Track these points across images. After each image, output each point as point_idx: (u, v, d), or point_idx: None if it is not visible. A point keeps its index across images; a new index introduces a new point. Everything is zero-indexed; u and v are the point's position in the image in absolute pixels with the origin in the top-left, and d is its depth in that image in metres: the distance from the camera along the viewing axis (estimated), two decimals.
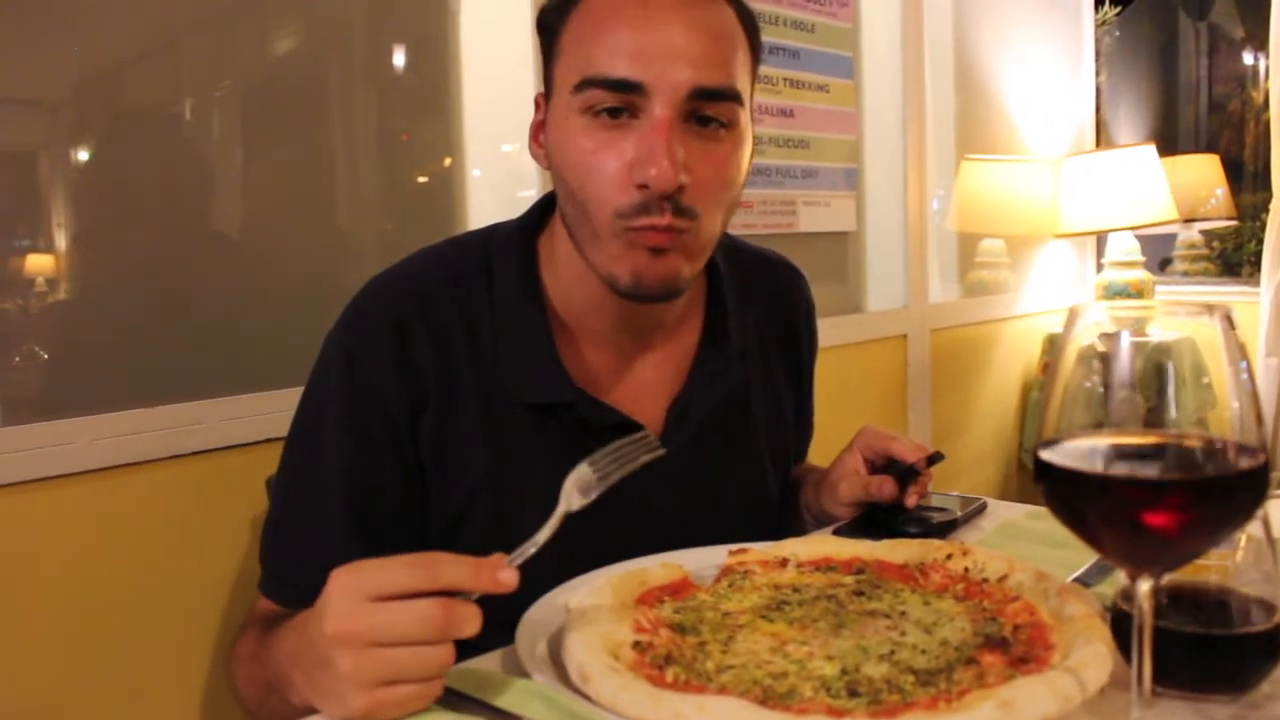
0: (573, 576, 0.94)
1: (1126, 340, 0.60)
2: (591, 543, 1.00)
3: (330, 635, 0.70)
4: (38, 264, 1.42)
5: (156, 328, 1.48)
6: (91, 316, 1.45)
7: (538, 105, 1.08)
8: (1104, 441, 0.61)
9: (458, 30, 1.83)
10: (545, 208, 1.13)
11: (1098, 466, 0.60)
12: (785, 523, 1.29)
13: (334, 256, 1.71)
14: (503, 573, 0.73)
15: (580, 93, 0.97)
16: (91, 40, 1.45)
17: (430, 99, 1.82)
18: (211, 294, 1.54)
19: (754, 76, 1.07)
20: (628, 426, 1.07)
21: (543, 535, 0.78)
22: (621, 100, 0.96)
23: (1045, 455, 0.61)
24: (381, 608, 0.70)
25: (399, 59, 1.78)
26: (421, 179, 1.83)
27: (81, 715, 1.37)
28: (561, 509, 0.80)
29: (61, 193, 1.45)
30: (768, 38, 2.33)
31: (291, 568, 1.04)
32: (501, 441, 1.06)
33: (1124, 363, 0.60)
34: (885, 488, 1.14)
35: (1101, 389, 0.61)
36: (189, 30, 1.53)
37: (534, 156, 1.09)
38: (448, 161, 1.85)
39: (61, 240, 1.44)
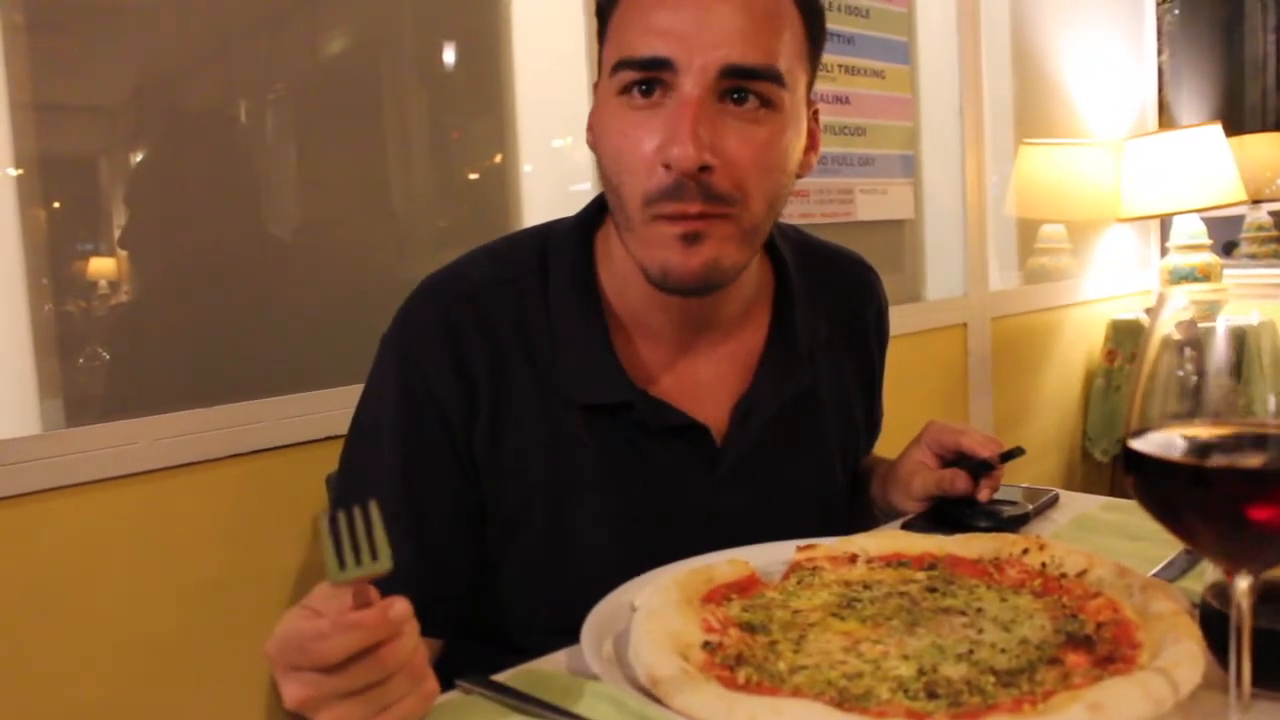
0: (636, 573, 0.91)
1: (1223, 325, 0.57)
2: (656, 546, 0.98)
3: (292, 704, 0.67)
4: (99, 267, 1.43)
5: (216, 328, 1.49)
6: (152, 318, 1.46)
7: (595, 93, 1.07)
8: (1199, 431, 0.58)
9: (509, 26, 1.82)
10: (603, 205, 1.10)
11: (1195, 458, 0.57)
12: (853, 517, 1.26)
13: (389, 254, 1.71)
14: (393, 610, 0.67)
15: (616, 74, 0.96)
16: (148, 46, 1.46)
17: (482, 96, 1.82)
18: (269, 293, 1.54)
19: (811, 62, 1.03)
20: (689, 428, 1.05)
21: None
22: (655, 81, 0.93)
23: (1136, 446, 0.59)
24: (326, 676, 0.66)
25: (450, 56, 1.77)
26: (473, 176, 1.83)
27: (145, 713, 1.38)
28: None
29: (121, 196, 1.46)
30: None
31: None
32: (558, 443, 1.03)
33: (1220, 349, 0.57)
34: (959, 482, 1.11)
35: (1195, 376, 0.58)
36: (243, 33, 1.54)
37: (589, 145, 1.06)
38: (499, 158, 1.85)
39: (122, 243, 1.45)
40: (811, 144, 1.06)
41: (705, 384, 1.08)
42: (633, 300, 1.06)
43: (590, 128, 1.05)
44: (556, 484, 1.03)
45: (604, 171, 1.00)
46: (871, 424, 1.30)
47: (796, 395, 1.12)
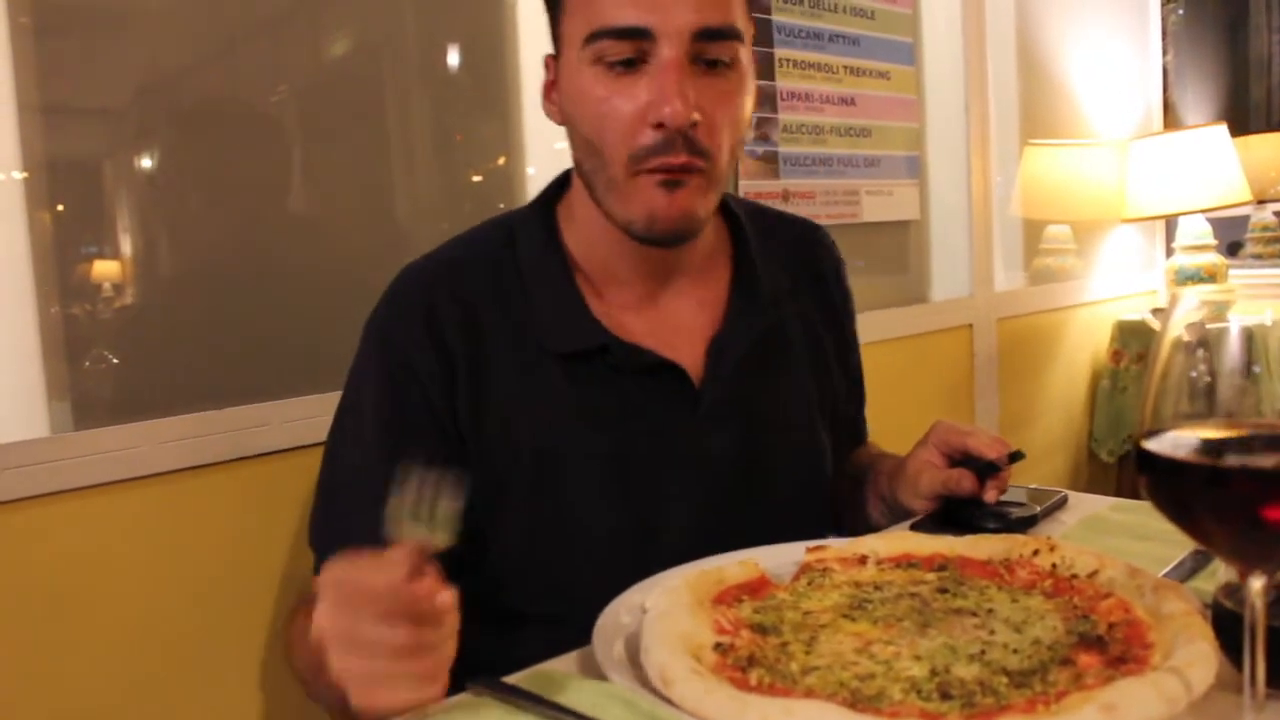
0: (629, 520, 1.01)
1: (1236, 326, 0.57)
2: (646, 489, 1.07)
3: (317, 631, 0.73)
4: (104, 270, 1.43)
5: (221, 330, 1.49)
6: (159, 321, 1.46)
7: (547, 66, 1.11)
8: (1212, 432, 0.58)
9: (514, 28, 1.82)
10: (561, 183, 1.18)
11: (1209, 458, 0.57)
12: (853, 511, 1.29)
13: (393, 256, 1.69)
14: (442, 597, 0.72)
15: (591, 44, 1.01)
16: (154, 49, 1.45)
17: (486, 98, 1.82)
18: (274, 296, 1.54)
19: (751, 17, 1.10)
20: (664, 368, 1.09)
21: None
22: (633, 49, 0.99)
23: (1150, 446, 0.58)
24: (359, 620, 0.71)
25: (454, 58, 1.77)
26: (477, 178, 1.83)
27: (152, 715, 1.38)
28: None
29: (126, 199, 1.46)
30: (827, 25, 2.30)
31: (339, 549, 1.05)
32: (540, 398, 1.07)
33: (1233, 349, 0.57)
34: (965, 482, 1.11)
35: (1208, 377, 0.58)
36: (248, 36, 1.53)
37: (547, 114, 1.12)
38: (503, 160, 1.85)
39: (127, 246, 1.45)
40: (754, 99, 1.13)
41: (677, 330, 1.13)
42: (601, 255, 1.12)
43: (552, 100, 1.11)
44: (542, 438, 1.07)
45: (581, 137, 1.05)
46: (849, 377, 1.34)
47: (765, 334, 1.17)
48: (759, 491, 1.13)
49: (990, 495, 1.11)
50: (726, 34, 1.01)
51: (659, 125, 0.99)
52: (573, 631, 1.01)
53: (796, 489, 1.18)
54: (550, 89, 1.11)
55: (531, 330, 1.08)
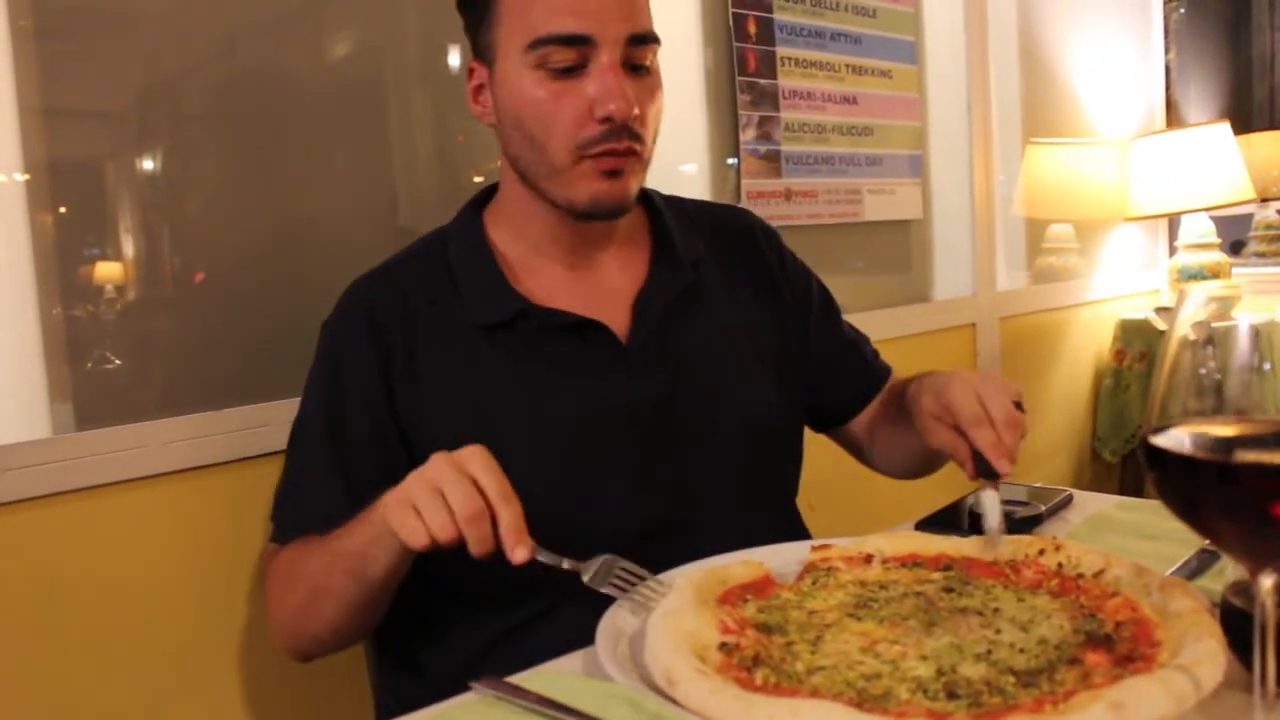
0: (572, 477, 1.11)
1: (1245, 323, 0.56)
2: (584, 441, 1.15)
3: (435, 459, 0.93)
4: (105, 271, 1.43)
5: (222, 331, 1.48)
6: (159, 322, 1.46)
7: (472, 72, 1.20)
8: (1221, 428, 0.57)
9: None
10: (487, 193, 1.29)
11: (1219, 454, 0.56)
12: (884, 439, 1.37)
13: None
14: (518, 549, 0.90)
15: (533, 51, 1.10)
16: (155, 51, 1.45)
17: None
18: (274, 297, 1.54)
19: None
20: (585, 325, 1.17)
21: (546, 558, 0.93)
22: (576, 55, 1.09)
23: (1158, 442, 0.58)
24: (458, 476, 0.90)
25: (455, 59, 1.77)
26: (478, 179, 1.83)
27: (154, 715, 1.38)
28: (583, 568, 0.93)
29: (127, 201, 1.46)
30: (829, 24, 2.29)
31: (298, 523, 1.15)
32: (473, 372, 1.16)
33: (1242, 346, 0.57)
34: (965, 466, 1.05)
35: (1217, 374, 0.58)
36: (248, 38, 1.53)
37: (477, 116, 1.21)
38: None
39: (128, 247, 1.45)
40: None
41: (606, 295, 1.22)
42: (534, 238, 1.22)
43: (481, 103, 1.19)
44: (481, 409, 1.15)
45: (522, 134, 1.14)
46: (837, 340, 1.41)
47: (686, 291, 1.25)
48: (695, 435, 1.20)
49: (984, 489, 1.06)
50: (650, 38, 1.13)
51: (605, 120, 1.09)
52: (539, 601, 1.10)
53: (733, 428, 1.23)
54: (478, 92, 1.20)
55: (461, 314, 1.18)
